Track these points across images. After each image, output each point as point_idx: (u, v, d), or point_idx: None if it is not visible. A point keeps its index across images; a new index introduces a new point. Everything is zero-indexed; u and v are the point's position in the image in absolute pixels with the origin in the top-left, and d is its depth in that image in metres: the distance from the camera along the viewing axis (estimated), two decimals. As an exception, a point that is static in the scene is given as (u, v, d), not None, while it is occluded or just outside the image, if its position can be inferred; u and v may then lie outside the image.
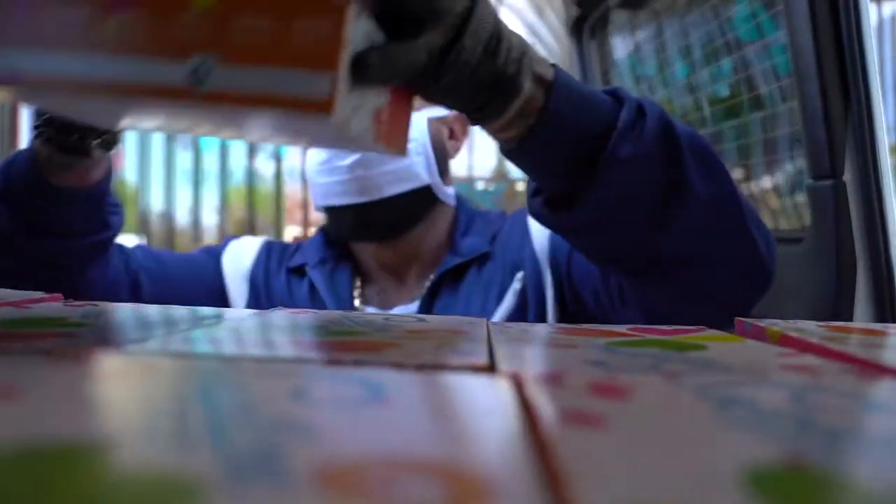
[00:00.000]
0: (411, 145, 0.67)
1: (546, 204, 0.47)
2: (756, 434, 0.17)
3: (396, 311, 0.71)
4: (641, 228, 0.45)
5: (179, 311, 0.42)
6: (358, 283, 0.75)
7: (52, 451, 0.14)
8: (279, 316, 0.40)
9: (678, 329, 0.39)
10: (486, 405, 0.19)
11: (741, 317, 0.44)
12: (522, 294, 0.68)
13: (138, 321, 0.37)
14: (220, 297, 0.77)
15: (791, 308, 0.74)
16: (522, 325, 0.41)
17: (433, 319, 0.41)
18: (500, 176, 2.37)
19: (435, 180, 0.71)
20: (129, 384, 0.20)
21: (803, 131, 0.72)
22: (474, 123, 0.43)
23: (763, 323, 0.39)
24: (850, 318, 0.68)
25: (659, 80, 1.25)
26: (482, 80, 0.38)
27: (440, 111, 0.71)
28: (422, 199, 0.71)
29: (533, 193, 0.50)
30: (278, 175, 2.51)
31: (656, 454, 0.15)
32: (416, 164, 0.69)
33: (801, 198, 0.87)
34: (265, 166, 2.53)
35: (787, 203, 0.94)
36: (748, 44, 0.95)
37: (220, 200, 2.51)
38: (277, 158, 2.49)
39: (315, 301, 0.72)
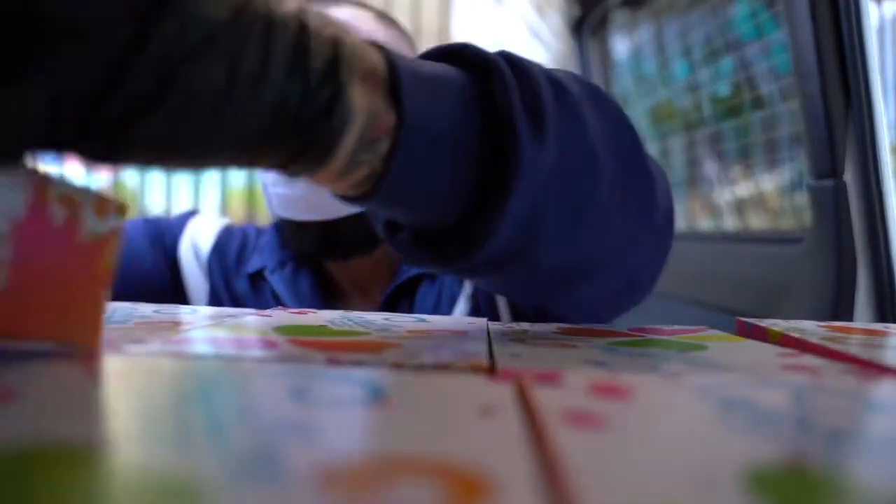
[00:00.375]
0: None
1: (417, 241, 0.32)
2: (756, 435, 0.17)
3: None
4: (561, 237, 0.31)
5: (180, 310, 0.42)
6: (320, 293, 0.67)
7: (51, 452, 0.14)
8: (279, 316, 0.40)
9: (678, 329, 0.39)
10: (486, 405, 0.19)
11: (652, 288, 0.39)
12: (474, 298, 0.61)
13: (138, 321, 0.37)
14: (171, 293, 0.66)
15: (791, 308, 0.74)
16: (523, 325, 0.41)
17: (433, 319, 0.41)
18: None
19: None
20: (128, 384, 0.20)
21: (804, 131, 0.71)
22: (291, 176, 0.27)
23: (764, 323, 0.39)
24: (850, 318, 0.68)
25: (659, 79, 1.25)
26: (258, 124, 0.23)
27: None
28: None
29: (391, 230, 0.34)
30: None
31: (657, 455, 0.15)
32: None
33: (802, 198, 0.86)
34: (265, 166, 2.53)
35: (788, 203, 0.94)
36: (748, 43, 0.95)
37: (220, 201, 2.51)
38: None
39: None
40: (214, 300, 0.67)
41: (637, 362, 0.27)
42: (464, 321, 0.41)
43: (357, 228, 0.62)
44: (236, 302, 0.67)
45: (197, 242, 0.68)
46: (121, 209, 0.25)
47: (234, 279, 0.68)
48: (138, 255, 0.66)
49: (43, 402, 0.18)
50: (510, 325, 0.40)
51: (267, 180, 0.63)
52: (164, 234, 0.69)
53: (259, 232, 0.73)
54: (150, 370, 0.22)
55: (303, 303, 0.65)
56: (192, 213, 0.73)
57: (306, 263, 0.68)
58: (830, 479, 0.14)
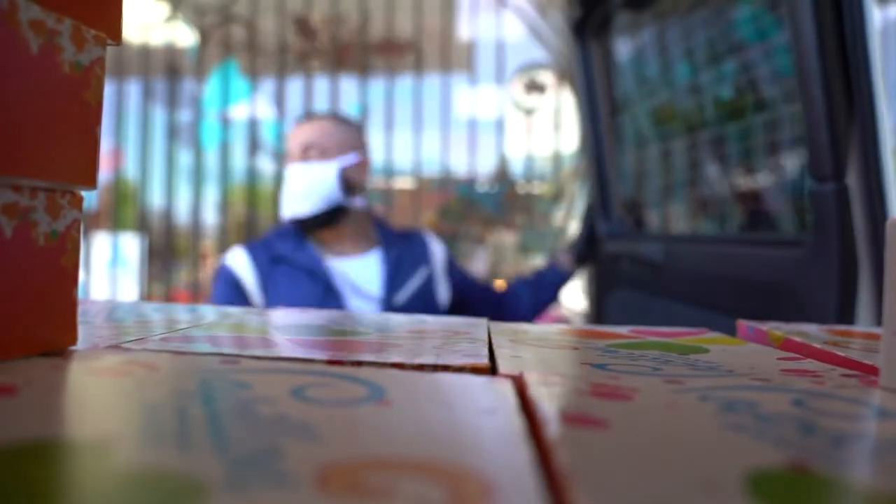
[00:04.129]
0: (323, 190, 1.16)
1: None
2: (757, 438, 0.17)
3: (350, 259, 1.21)
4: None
5: (180, 310, 0.42)
6: (318, 249, 1.22)
7: (51, 450, 0.14)
8: (280, 315, 0.40)
9: (679, 331, 0.39)
10: (486, 406, 0.19)
11: None
12: (425, 280, 1.23)
13: (138, 319, 0.37)
14: (249, 295, 1.20)
15: (793, 311, 0.74)
16: (524, 325, 0.41)
17: (433, 320, 0.41)
18: (501, 177, 2.37)
19: (345, 201, 1.19)
20: (129, 381, 0.20)
21: (806, 133, 0.71)
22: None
23: (765, 326, 0.39)
24: (852, 322, 0.68)
25: (661, 81, 1.24)
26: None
27: (348, 159, 1.19)
28: (339, 209, 1.20)
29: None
30: (279, 174, 2.51)
31: (657, 456, 0.15)
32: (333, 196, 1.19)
33: (803, 201, 0.86)
34: (266, 165, 2.53)
35: (789, 206, 0.94)
36: (752, 45, 0.95)
37: (221, 199, 2.51)
38: (278, 158, 2.50)
39: (306, 273, 1.19)
40: (264, 276, 1.19)
41: (638, 364, 0.27)
42: (465, 322, 0.41)
43: (324, 218, 1.19)
44: (279, 279, 1.19)
45: (238, 262, 1.22)
46: (98, 39, 0.25)
47: (268, 258, 1.21)
48: (231, 295, 1.19)
49: (43, 399, 0.18)
50: (511, 325, 0.40)
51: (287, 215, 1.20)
52: (225, 276, 1.22)
53: (273, 234, 1.28)
54: (151, 368, 0.22)
55: (314, 263, 1.19)
56: (226, 255, 1.26)
57: (308, 242, 1.22)
58: (831, 482, 0.14)
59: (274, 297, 1.20)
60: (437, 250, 1.29)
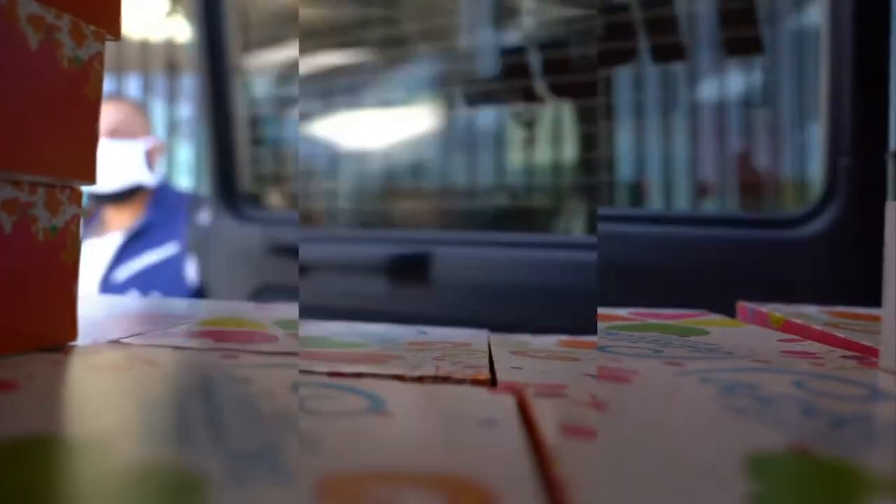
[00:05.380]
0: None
1: None
2: (758, 420, 0.17)
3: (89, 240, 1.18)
4: None
5: (180, 305, 0.42)
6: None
7: (52, 445, 0.14)
8: (280, 309, 0.40)
9: (680, 313, 0.39)
10: (486, 417, 0.19)
11: None
12: (174, 254, 1.18)
13: (140, 315, 0.37)
14: None
15: (802, 295, 0.72)
16: (524, 336, 0.40)
17: (433, 332, 0.41)
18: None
19: (145, 180, 1.23)
20: (128, 377, 0.20)
21: (826, 105, 0.68)
22: None
23: (765, 308, 0.39)
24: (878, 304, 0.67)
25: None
26: None
27: (150, 141, 1.23)
28: (138, 188, 1.22)
29: None
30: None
31: (657, 440, 0.15)
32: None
33: (807, 177, 0.85)
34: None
35: (793, 181, 0.92)
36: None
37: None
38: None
39: None
40: None
41: (638, 346, 0.27)
42: (465, 333, 0.40)
43: (123, 196, 1.20)
44: None
45: None
46: (97, 34, 0.25)
47: None
48: None
49: (44, 394, 0.18)
50: (512, 336, 0.40)
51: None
52: None
53: None
54: (151, 363, 0.22)
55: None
56: None
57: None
58: (831, 463, 0.14)
59: None
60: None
